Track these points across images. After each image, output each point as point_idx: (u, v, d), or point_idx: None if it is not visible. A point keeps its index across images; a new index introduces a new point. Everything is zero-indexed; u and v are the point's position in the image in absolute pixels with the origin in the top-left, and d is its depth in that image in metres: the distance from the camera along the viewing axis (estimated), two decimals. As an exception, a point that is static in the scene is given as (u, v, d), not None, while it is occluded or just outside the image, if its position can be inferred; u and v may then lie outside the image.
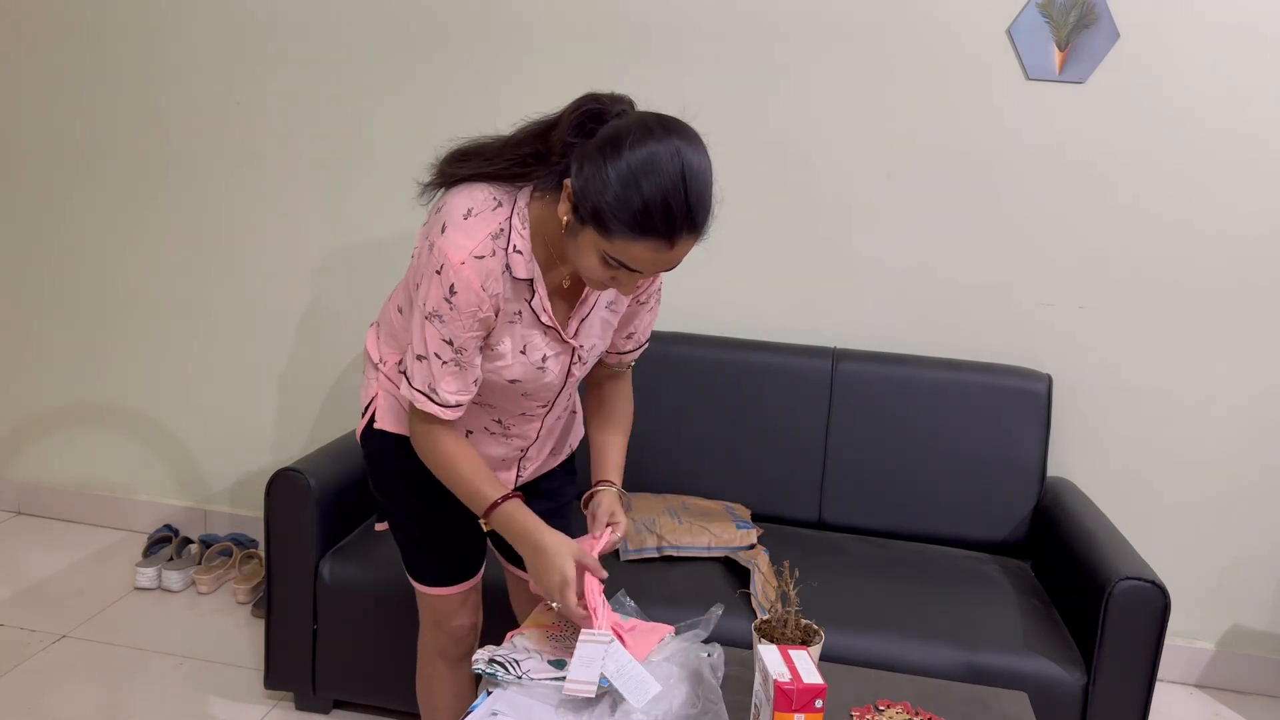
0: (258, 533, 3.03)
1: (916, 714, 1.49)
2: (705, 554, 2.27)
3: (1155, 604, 1.95)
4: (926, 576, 2.30)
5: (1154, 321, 2.59)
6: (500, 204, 1.44)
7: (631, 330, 1.68)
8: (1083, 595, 2.07)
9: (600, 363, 1.71)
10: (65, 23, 2.95)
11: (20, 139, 3.05)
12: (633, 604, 1.62)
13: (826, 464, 2.54)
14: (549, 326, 1.51)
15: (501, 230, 1.43)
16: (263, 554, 2.82)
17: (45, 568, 2.92)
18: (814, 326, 2.71)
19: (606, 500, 1.64)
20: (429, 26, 2.74)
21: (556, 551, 1.48)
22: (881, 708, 1.51)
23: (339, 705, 2.35)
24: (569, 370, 1.59)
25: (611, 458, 1.71)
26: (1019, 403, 2.50)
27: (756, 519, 2.50)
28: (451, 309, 1.43)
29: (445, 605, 1.77)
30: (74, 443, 3.21)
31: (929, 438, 2.51)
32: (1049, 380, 2.53)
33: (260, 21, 2.83)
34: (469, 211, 1.43)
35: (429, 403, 1.49)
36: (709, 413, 2.55)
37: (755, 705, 1.39)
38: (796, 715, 1.28)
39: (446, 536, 1.72)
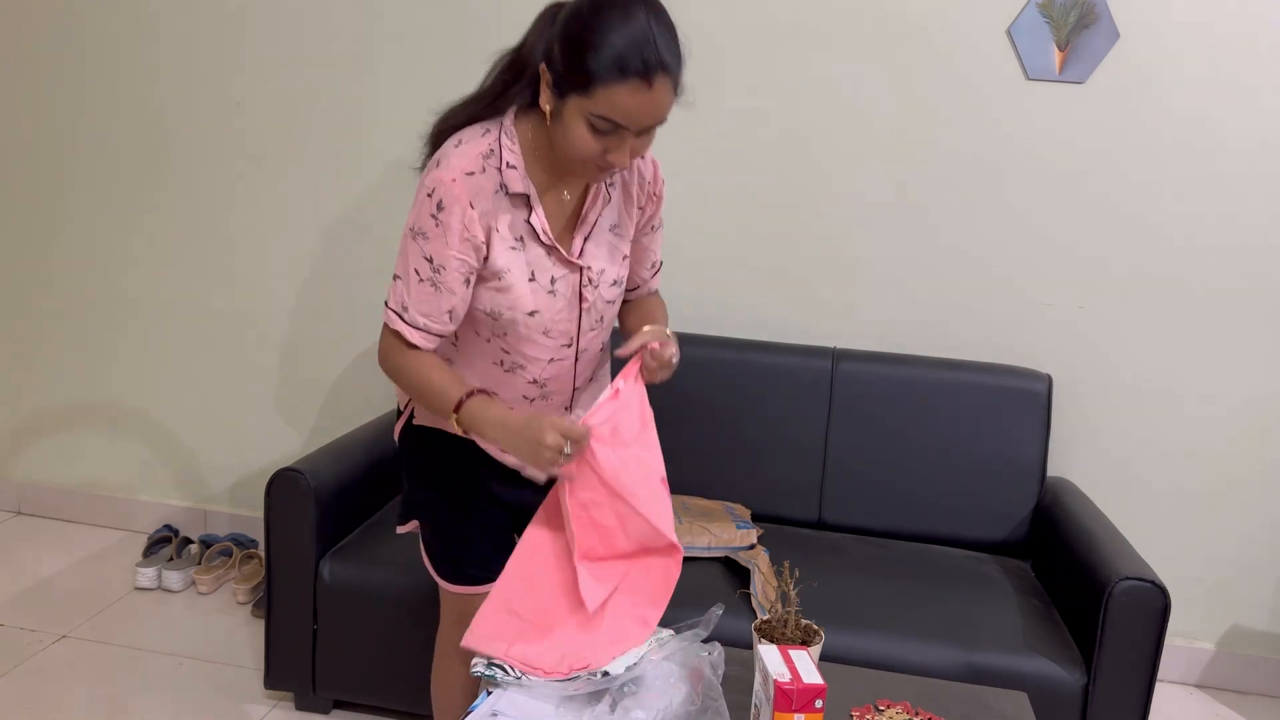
0: (258, 533, 3.02)
1: (916, 714, 1.49)
2: (705, 554, 2.27)
3: (1155, 604, 1.95)
4: (926, 576, 2.30)
5: (1154, 321, 2.59)
6: (488, 130, 1.49)
7: (652, 260, 1.74)
8: (1083, 595, 2.07)
9: (634, 293, 1.77)
10: (67, 23, 2.95)
11: (22, 139, 3.05)
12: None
13: (826, 464, 2.54)
14: (550, 246, 1.53)
15: (492, 150, 1.47)
16: (263, 554, 2.82)
17: (45, 568, 2.92)
18: (814, 326, 2.71)
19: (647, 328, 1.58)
20: (429, 26, 2.74)
21: (529, 422, 1.43)
22: (881, 708, 1.51)
23: (339, 705, 2.35)
24: (580, 294, 1.57)
25: (654, 313, 1.71)
26: (1019, 403, 2.50)
27: (756, 519, 2.50)
28: (437, 225, 1.45)
29: (469, 605, 1.75)
30: (74, 443, 3.21)
31: (929, 438, 2.51)
32: (1049, 380, 2.53)
33: (260, 20, 2.83)
34: (459, 141, 1.48)
35: (398, 320, 1.51)
36: (709, 413, 2.55)
37: (755, 705, 1.39)
38: (796, 715, 1.28)
39: (478, 536, 1.72)
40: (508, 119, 1.50)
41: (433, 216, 1.45)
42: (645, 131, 1.42)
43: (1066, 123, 2.54)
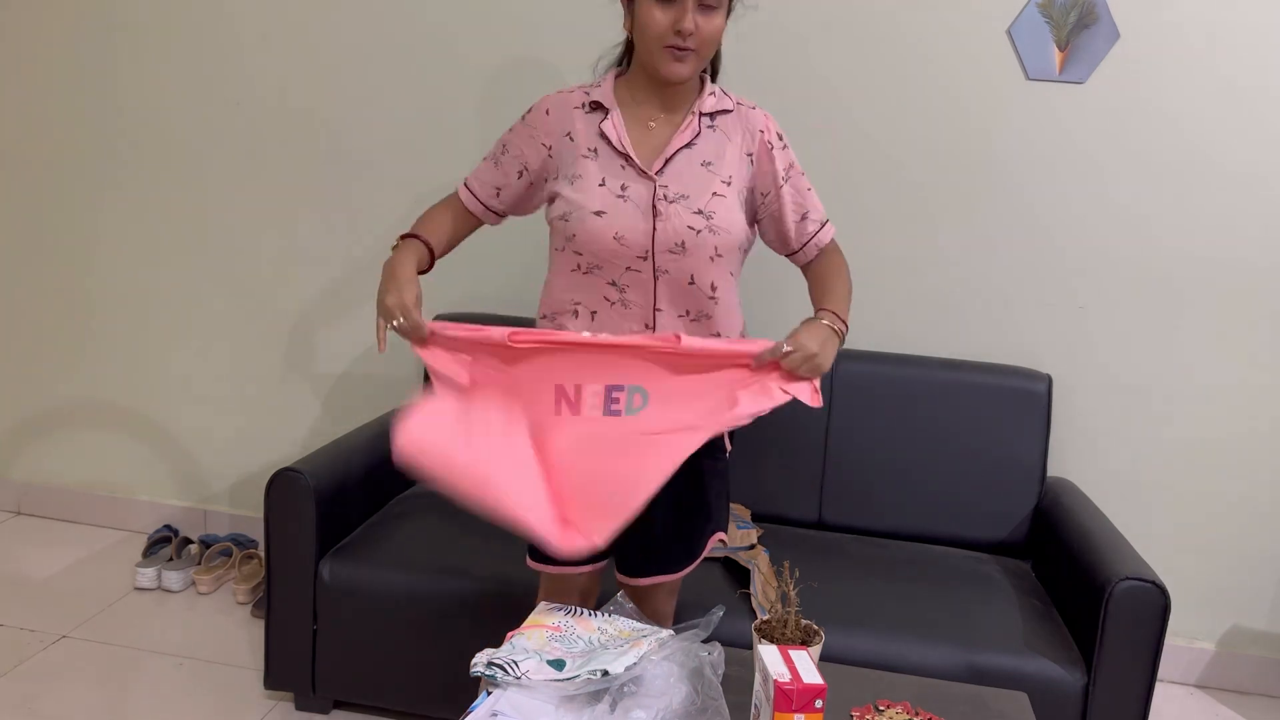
0: (258, 533, 3.02)
1: (916, 714, 1.49)
2: (705, 554, 2.27)
3: (1155, 604, 1.95)
4: (926, 576, 2.30)
5: (1154, 321, 2.59)
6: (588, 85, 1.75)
7: (804, 210, 1.79)
8: (1083, 595, 2.07)
9: (802, 254, 1.83)
10: (67, 22, 2.95)
11: (22, 139, 3.05)
12: (631, 606, 1.62)
13: (826, 464, 2.54)
14: (624, 154, 1.66)
15: (587, 93, 1.72)
16: (263, 554, 2.81)
17: (45, 568, 2.92)
18: (814, 326, 2.70)
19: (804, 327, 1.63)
20: (430, 25, 2.74)
21: (393, 276, 1.61)
22: (881, 708, 1.51)
23: (339, 705, 2.35)
24: (654, 207, 1.64)
25: (832, 289, 1.76)
26: (1019, 403, 2.50)
27: (756, 519, 2.50)
28: (521, 122, 1.74)
29: (548, 584, 1.84)
30: (74, 443, 3.20)
31: (929, 438, 2.50)
32: (1049, 380, 2.53)
33: (261, 20, 2.83)
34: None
35: (461, 182, 1.80)
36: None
37: (755, 705, 1.39)
38: (796, 715, 1.28)
39: None
40: (605, 80, 1.74)
41: (522, 119, 1.74)
42: (701, 4, 1.59)
43: (1066, 123, 2.53)
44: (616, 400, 1.58)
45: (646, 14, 1.60)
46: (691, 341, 1.58)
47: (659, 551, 1.79)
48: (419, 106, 2.78)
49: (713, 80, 1.80)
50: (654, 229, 1.64)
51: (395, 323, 1.59)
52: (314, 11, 2.80)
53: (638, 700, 1.37)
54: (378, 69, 2.79)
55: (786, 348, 1.58)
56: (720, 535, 1.84)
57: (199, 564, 2.90)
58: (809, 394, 1.59)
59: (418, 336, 1.61)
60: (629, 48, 1.74)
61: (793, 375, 1.59)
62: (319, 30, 2.81)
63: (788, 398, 1.57)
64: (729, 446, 1.84)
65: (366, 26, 2.78)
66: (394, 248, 1.69)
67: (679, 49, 1.61)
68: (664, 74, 1.63)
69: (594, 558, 1.80)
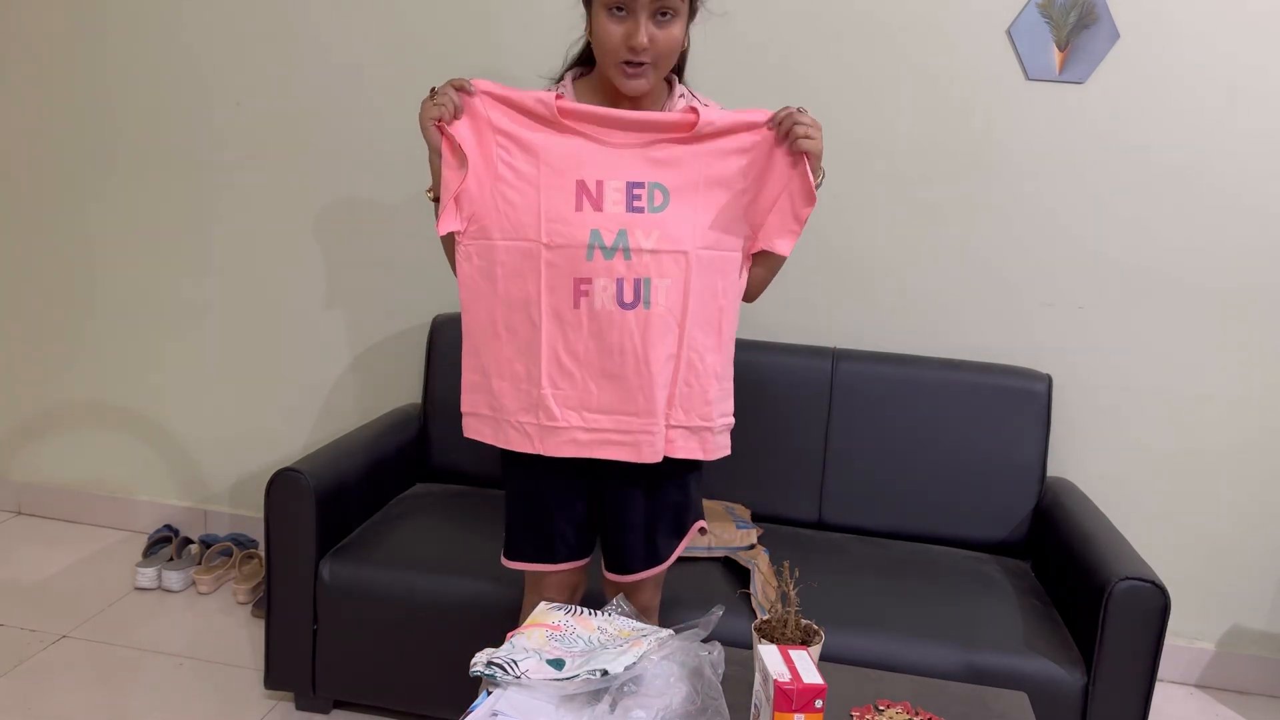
0: (258, 533, 3.02)
1: (916, 714, 1.49)
2: (705, 554, 2.27)
3: (1155, 604, 1.95)
4: (926, 576, 2.30)
5: (1154, 321, 2.59)
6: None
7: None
8: (1083, 595, 2.07)
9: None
10: (66, 22, 2.95)
11: (22, 139, 3.05)
12: (631, 607, 1.62)
13: (826, 464, 2.54)
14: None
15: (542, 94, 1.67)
16: (263, 554, 2.82)
17: (45, 568, 2.92)
18: (814, 326, 2.71)
19: None
20: (430, 26, 2.74)
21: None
22: (881, 708, 1.51)
23: (339, 705, 2.35)
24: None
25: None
26: (1019, 403, 2.50)
27: (756, 519, 2.50)
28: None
29: (533, 583, 1.86)
30: (74, 443, 3.21)
31: (929, 438, 2.50)
32: (1049, 380, 2.53)
33: (261, 20, 2.83)
34: None
35: None
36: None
37: (755, 705, 1.39)
38: (796, 715, 1.28)
39: (546, 515, 1.79)
40: (565, 80, 1.73)
41: None
42: (656, 14, 1.55)
43: (1066, 123, 2.53)
44: (638, 197, 1.62)
45: (601, 27, 1.58)
46: (708, 114, 1.63)
47: (643, 545, 1.80)
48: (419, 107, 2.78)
49: (679, 77, 1.77)
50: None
51: (439, 97, 1.63)
52: (314, 12, 2.80)
53: (638, 700, 1.37)
54: (378, 69, 2.79)
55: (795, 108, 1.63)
56: (701, 523, 1.86)
57: (199, 564, 2.90)
58: (808, 181, 1.64)
59: (462, 89, 1.63)
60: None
61: (796, 154, 1.62)
62: (319, 30, 2.81)
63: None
64: None
65: (367, 27, 2.78)
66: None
67: (633, 64, 1.59)
68: (622, 90, 1.63)
69: (576, 555, 1.82)
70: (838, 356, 2.58)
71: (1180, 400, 2.61)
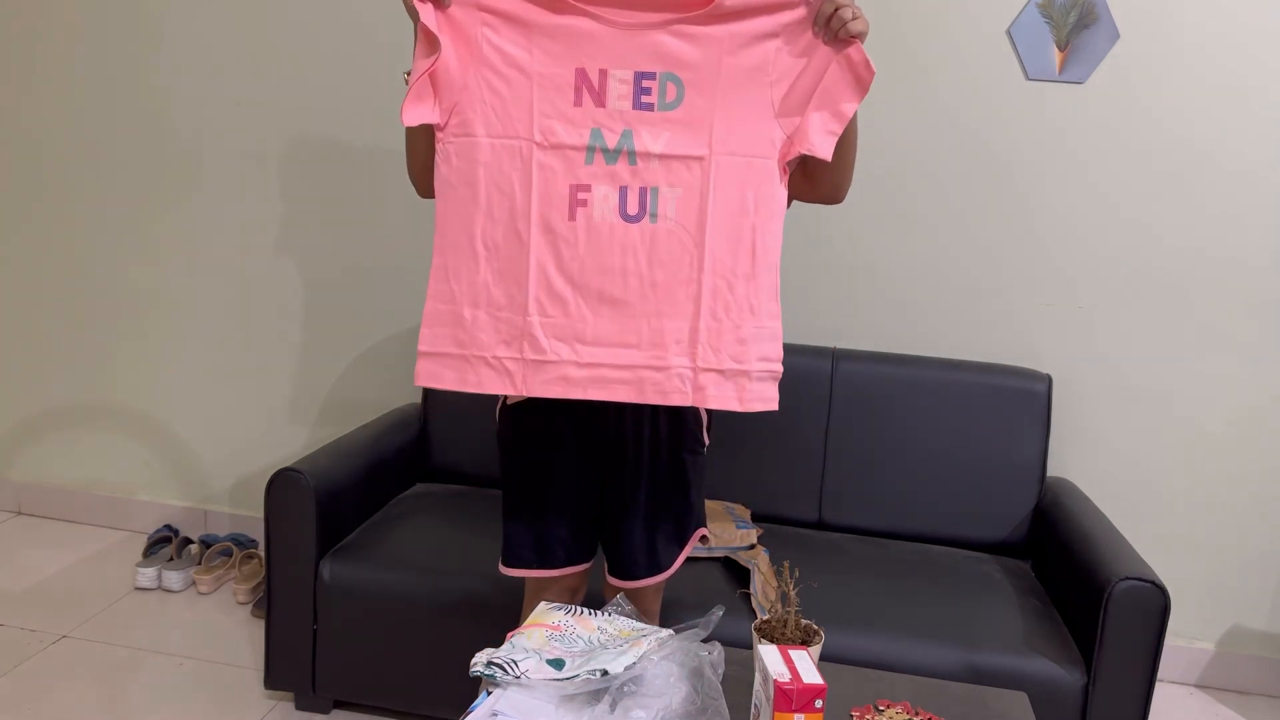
0: (258, 533, 3.02)
1: (916, 714, 1.49)
2: (705, 554, 2.27)
3: (1155, 604, 1.95)
4: (926, 576, 2.30)
5: (1154, 322, 2.59)
6: None
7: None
8: (1083, 595, 2.07)
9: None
10: (67, 22, 2.95)
11: (22, 139, 3.05)
12: (631, 607, 1.62)
13: (826, 464, 2.54)
14: None
15: None
16: (263, 554, 2.82)
17: (45, 568, 2.92)
18: (814, 326, 2.71)
19: None
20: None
21: None
22: (881, 708, 1.51)
23: (339, 705, 2.35)
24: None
25: None
26: (1019, 403, 2.50)
27: (756, 519, 2.50)
28: None
29: (533, 586, 1.82)
30: (74, 443, 3.21)
31: (929, 438, 2.50)
32: (1049, 380, 2.53)
33: (260, 20, 2.83)
34: None
35: None
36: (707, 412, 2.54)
37: (755, 705, 1.39)
38: (796, 715, 1.28)
39: (544, 521, 1.75)
40: None
41: None
42: None
43: (1066, 123, 2.53)
44: (648, 90, 1.41)
45: None
46: None
47: (647, 552, 1.78)
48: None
49: None
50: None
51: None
52: (315, 12, 2.80)
53: (637, 700, 1.37)
54: (378, 69, 2.79)
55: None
56: (703, 530, 1.83)
57: (199, 564, 2.90)
58: (859, 64, 1.43)
59: None
60: None
61: (835, 39, 1.42)
62: (319, 31, 2.81)
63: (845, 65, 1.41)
64: (706, 440, 1.81)
65: (367, 27, 2.78)
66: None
67: None
68: None
69: (575, 560, 1.80)
70: (838, 356, 2.58)
71: (1180, 400, 2.61)
